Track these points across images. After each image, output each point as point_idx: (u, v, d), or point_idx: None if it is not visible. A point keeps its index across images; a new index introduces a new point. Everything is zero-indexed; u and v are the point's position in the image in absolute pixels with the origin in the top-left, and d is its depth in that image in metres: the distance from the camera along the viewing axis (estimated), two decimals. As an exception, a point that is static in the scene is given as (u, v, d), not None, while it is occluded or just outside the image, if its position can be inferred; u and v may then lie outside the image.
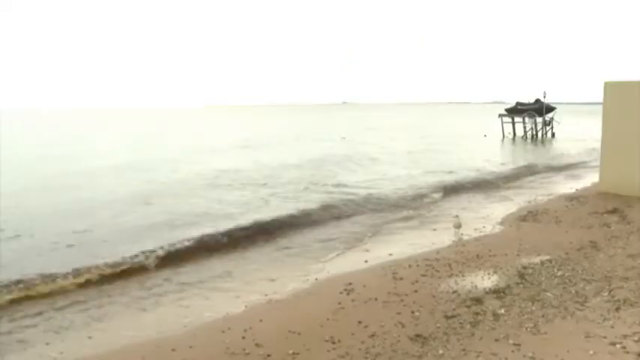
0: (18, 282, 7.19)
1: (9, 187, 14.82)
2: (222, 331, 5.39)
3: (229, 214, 11.82)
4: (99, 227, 10.54)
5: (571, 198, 12.15)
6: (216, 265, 8.32)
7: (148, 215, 11.78)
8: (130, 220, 11.23)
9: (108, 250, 8.77)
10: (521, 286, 6.23)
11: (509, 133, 38.09)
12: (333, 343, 4.93)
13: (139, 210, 12.40)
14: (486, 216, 11.04)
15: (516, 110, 39.09)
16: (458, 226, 9.66)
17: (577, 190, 13.61)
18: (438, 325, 5.20)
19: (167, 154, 26.19)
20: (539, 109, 37.81)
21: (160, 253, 8.62)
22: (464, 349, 4.61)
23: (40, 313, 6.40)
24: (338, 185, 15.89)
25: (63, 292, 7.10)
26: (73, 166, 20.83)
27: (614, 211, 10.14)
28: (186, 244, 9.21)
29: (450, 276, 6.79)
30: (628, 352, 4.30)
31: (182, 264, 8.32)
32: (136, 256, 8.36)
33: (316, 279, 7.24)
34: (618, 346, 4.42)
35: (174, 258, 8.54)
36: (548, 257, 7.35)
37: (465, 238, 9.12)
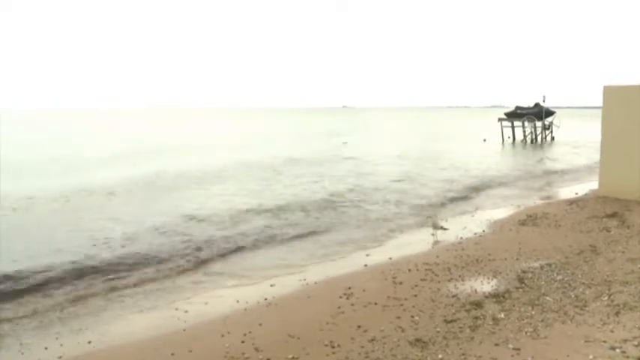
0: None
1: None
2: (222, 335, 5.38)
3: (235, 215, 11.83)
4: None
5: (570, 202, 12.16)
6: (215, 268, 8.32)
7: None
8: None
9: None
10: (520, 290, 6.23)
11: (509, 137, 38.11)
12: (333, 347, 4.92)
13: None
14: (486, 220, 11.05)
15: (516, 114, 39.08)
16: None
17: (576, 194, 13.63)
18: (438, 329, 5.19)
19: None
20: (539, 113, 37.84)
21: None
22: (463, 354, 4.60)
23: (38, 317, 6.40)
24: (350, 191, 15.90)
25: (60, 294, 7.10)
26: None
27: (613, 215, 10.15)
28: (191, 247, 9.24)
29: (450, 280, 6.79)
30: (628, 357, 4.30)
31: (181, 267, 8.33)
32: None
33: (315, 283, 7.23)
34: (618, 350, 4.42)
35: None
36: (547, 261, 7.35)
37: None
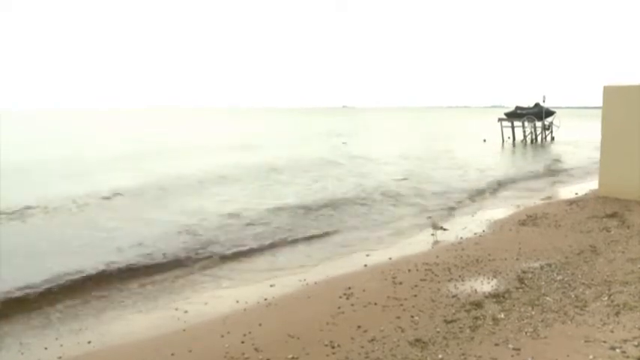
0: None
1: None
2: (222, 336, 5.38)
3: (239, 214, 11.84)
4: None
5: (570, 202, 12.16)
6: (215, 268, 8.32)
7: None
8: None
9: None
10: (520, 290, 6.23)
11: (509, 137, 38.09)
12: (333, 347, 4.92)
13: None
14: (486, 220, 11.05)
15: (516, 114, 39.07)
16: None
17: (576, 194, 13.63)
18: (438, 329, 5.19)
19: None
20: (539, 113, 37.83)
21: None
22: (463, 354, 4.60)
23: (38, 317, 6.41)
24: (348, 191, 15.90)
25: (60, 295, 7.10)
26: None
27: (613, 215, 10.15)
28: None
29: (450, 280, 6.79)
30: (628, 357, 4.30)
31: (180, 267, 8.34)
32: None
33: (315, 283, 7.24)
34: (618, 350, 4.42)
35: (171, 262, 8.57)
36: (547, 261, 7.35)
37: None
